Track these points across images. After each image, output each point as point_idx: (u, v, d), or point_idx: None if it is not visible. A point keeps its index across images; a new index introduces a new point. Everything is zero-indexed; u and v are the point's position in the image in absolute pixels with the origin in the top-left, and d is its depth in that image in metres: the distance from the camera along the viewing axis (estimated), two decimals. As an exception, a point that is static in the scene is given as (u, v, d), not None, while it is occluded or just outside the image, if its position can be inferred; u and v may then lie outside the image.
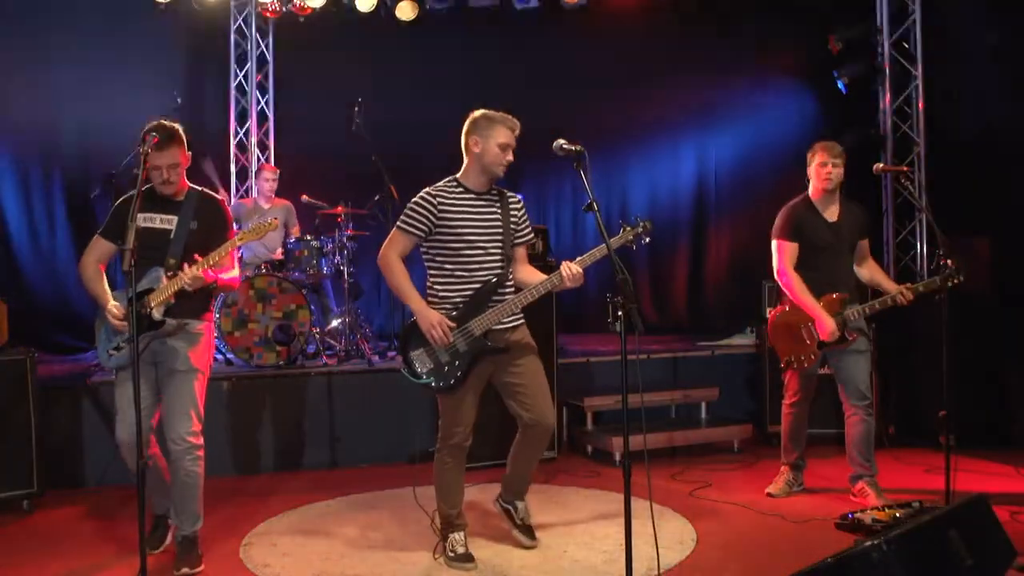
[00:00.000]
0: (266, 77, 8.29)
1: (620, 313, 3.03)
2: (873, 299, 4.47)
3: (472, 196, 3.71)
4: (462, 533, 3.83)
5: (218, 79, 8.12)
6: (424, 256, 3.75)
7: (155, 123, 3.61)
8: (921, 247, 7.59)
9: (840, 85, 7.48)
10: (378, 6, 7.61)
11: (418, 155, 8.12)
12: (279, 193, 7.16)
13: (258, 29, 8.17)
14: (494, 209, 3.74)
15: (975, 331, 5.70)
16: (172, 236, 3.69)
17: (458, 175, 3.75)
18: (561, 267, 3.56)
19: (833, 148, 4.49)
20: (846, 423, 4.57)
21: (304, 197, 6.98)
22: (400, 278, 3.64)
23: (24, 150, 7.32)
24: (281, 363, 5.95)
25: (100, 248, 3.79)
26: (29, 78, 7.21)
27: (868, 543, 2.63)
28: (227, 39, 8.10)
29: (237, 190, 8.22)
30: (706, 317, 8.42)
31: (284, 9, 7.65)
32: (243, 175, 8.23)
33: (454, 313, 3.63)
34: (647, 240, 3.70)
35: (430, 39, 8.03)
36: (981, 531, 3.02)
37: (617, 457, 5.41)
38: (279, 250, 6.73)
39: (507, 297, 3.68)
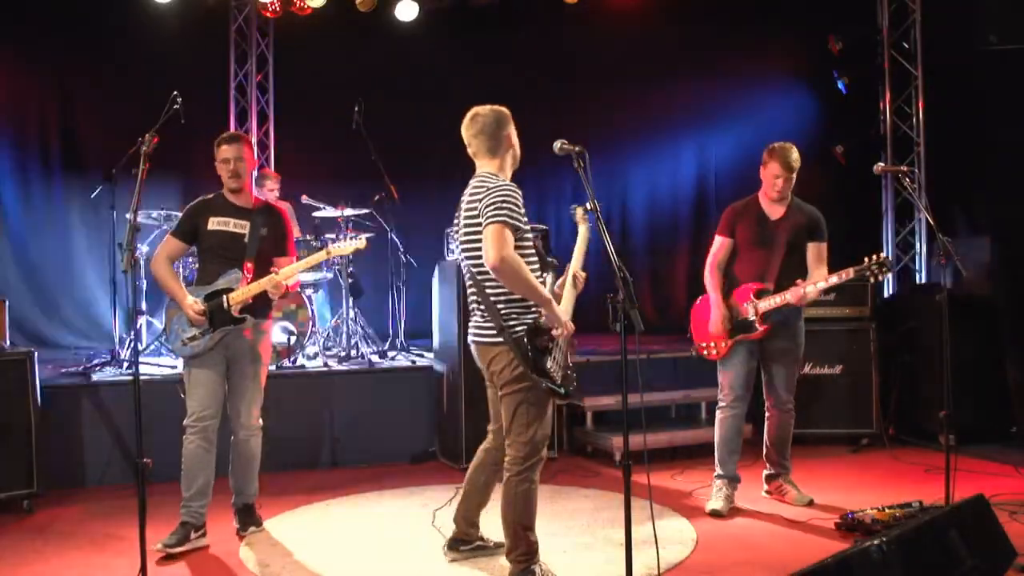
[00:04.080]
0: (266, 77, 8.28)
1: (620, 313, 3.02)
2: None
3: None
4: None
5: (218, 79, 8.12)
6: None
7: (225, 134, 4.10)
8: (921, 247, 7.59)
9: (840, 85, 7.47)
10: (378, 6, 7.60)
11: (418, 155, 8.15)
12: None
13: (258, 29, 8.17)
14: None
15: (975, 331, 5.71)
16: (247, 240, 4.03)
17: (493, 170, 3.45)
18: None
19: (787, 157, 4.36)
20: (766, 422, 4.63)
21: (304, 197, 6.97)
22: (528, 274, 3.29)
23: (25, 148, 7.32)
24: (281, 363, 5.95)
25: (171, 246, 4.09)
26: (30, 76, 7.22)
27: (868, 543, 2.63)
28: (227, 39, 8.10)
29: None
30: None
31: (284, 9, 7.64)
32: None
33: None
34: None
35: (430, 38, 8.03)
36: (981, 531, 3.02)
37: (617, 457, 5.41)
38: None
39: None
